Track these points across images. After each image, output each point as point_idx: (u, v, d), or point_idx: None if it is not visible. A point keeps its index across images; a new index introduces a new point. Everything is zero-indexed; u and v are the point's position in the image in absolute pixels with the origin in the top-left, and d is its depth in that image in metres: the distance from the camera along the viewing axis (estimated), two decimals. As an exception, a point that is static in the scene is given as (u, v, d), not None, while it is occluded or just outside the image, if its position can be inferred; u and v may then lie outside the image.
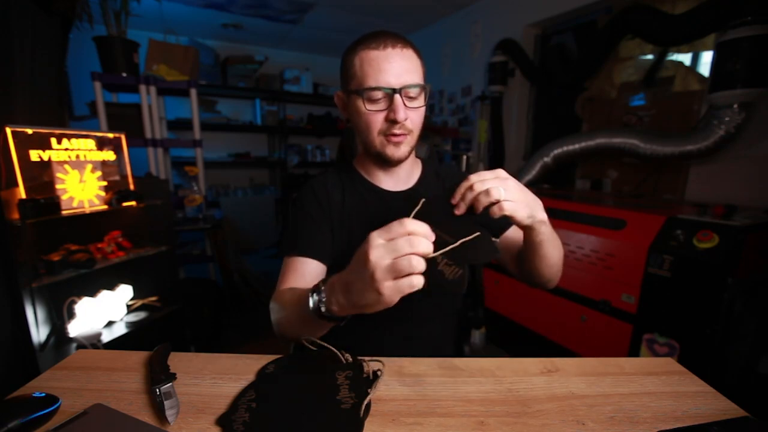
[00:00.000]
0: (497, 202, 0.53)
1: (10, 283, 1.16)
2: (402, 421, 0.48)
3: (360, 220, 0.77)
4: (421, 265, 0.43)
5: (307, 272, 0.71)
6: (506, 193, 0.54)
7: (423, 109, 0.71)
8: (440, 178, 0.85)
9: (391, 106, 0.66)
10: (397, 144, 0.70)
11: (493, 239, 0.54)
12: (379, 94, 0.66)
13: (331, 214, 0.77)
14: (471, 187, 0.53)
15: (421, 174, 0.83)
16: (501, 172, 0.55)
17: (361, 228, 0.76)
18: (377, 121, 0.68)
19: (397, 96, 0.65)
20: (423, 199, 0.55)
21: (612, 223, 1.56)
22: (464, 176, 0.56)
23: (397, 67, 0.65)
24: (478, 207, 0.53)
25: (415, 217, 0.49)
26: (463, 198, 0.54)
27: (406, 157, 0.74)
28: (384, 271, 0.42)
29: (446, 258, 0.49)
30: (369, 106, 0.67)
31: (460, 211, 0.54)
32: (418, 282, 0.42)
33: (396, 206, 0.77)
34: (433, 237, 0.45)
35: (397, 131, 0.68)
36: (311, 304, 0.52)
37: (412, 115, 0.69)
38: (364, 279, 0.44)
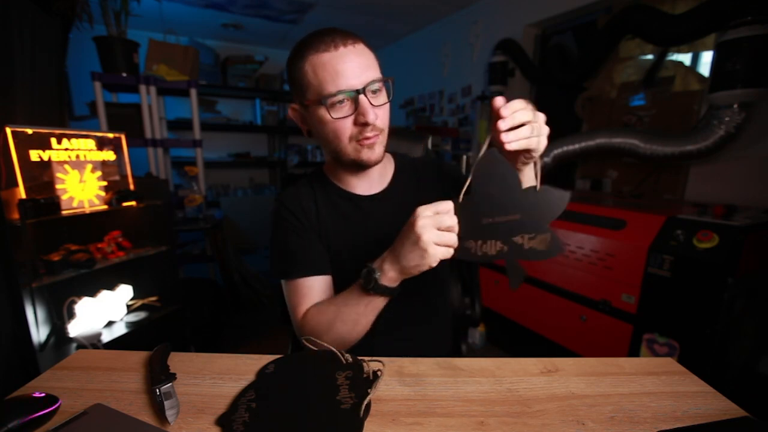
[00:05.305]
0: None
1: (10, 283, 1.16)
2: (402, 421, 0.48)
3: (337, 228, 0.74)
4: (455, 240, 0.53)
5: (317, 292, 0.70)
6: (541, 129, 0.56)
7: (388, 105, 0.66)
8: (418, 171, 0.80)
9: (358, 109, 0.62)
10: (372, 146, 0.66)
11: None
12: (342, 99, 0.61)
13: (310, 224, 0.74)
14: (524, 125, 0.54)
15: (395, 170, 0.79)
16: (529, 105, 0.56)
17: (338, 237, 0.74)
18: (345, 127, 0.64)
19: (362, 97, 0.61)
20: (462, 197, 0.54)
21: (612, 223, 1.56)
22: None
23: (354, 66, 0.60)
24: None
25: (463, 211, 0.53)
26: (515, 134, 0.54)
27: (383, 158, 0.70)
28: (429, 236, 0.51)
29: (528, 234, 0.52)
30: (334, 114, 0.62)
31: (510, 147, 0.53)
32: (449, 253, 0.53)
33: (372, 211, 0.75)
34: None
35: (369, 134, 0.64)
36: (367, 282, 0.59)
37: (379, 113, 0.64)
38: (412, 242, 0.53)
